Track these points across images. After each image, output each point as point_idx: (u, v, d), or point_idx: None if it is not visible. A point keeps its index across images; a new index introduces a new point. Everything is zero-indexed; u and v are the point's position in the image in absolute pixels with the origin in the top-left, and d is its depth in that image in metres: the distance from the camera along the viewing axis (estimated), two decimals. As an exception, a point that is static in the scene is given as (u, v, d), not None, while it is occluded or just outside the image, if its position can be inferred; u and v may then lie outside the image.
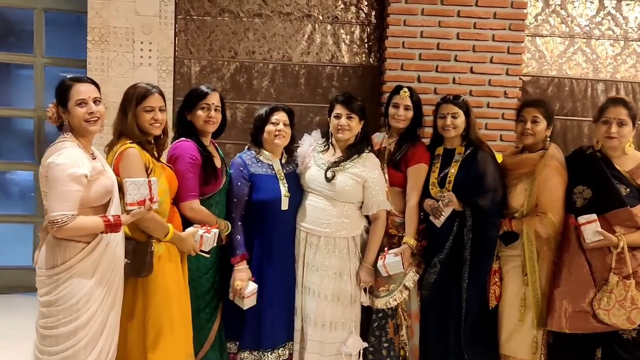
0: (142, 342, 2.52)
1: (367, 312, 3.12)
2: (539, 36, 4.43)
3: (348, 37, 4.39)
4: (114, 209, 2.33)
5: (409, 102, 3.12)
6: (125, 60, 4.24)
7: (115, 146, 2.51)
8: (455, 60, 4.16)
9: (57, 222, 2.15)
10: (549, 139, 2.94)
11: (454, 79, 4.17)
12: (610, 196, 2.67)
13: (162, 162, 2.68)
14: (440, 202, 2.93)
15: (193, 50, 4.33)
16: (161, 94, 2.61)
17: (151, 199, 2.33)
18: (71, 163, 2.18)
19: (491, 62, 4.17)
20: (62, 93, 2.31)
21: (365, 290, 3.04)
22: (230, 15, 4.31)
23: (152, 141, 2.62)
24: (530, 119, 2.90)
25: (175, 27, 4.26)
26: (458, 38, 4.15)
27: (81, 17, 4.33)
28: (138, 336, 2.52)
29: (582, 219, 2.65)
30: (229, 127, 4.24)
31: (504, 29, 4.14)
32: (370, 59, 4.41)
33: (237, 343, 2.98)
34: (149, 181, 2.33)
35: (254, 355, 2.94)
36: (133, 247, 2.45)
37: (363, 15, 4.38)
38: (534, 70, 4.44)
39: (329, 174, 2.96)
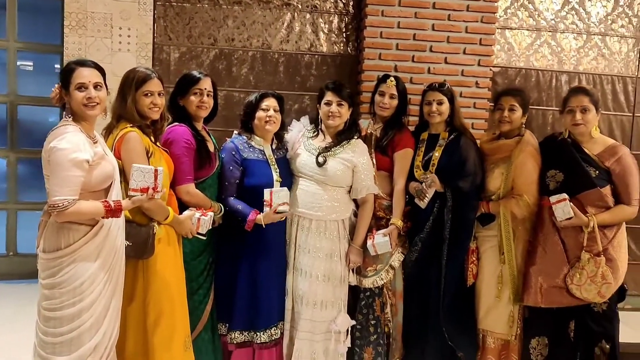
0: (142, 324, 2.56)
1: (353, 292, 3.24)
2: (508, 29, 4.62)
3: (326, 26, 4.48)
4: (115, 194, 2.35)
5: (394, 91, 3.24)
6: (103, 46, 4.20)
7: (115, 130, 2.53)
8: (431, 50, 4.30)
9: (58, 206, 2.16)
10: (524, 126, 3.12)
11: (429, 68, 4.31)
12: (581, 178, 2.87)
13: (159, 147, 2.71)
14: (423, 183, 3.07)
15: (172, 36, 4.33)
16: (160, 78, 2.64)
17: (154, 188, 2.34)
18: (73, 148, 2.19)
19: (464, 53, 4.33)
20: (65, 75, 2.32)
21: (353, 270, 3.16)
22: (209, 2, 4.33)
23: (151, 125, 2.65)
24: (507, 107, 3.07)
25: (154, 13, 4.25)
26: (433, 29, 4.29)
27: (56, 4, 4.26)
28: (138, 318, 2.56)
29: (553, 198, 2.85)
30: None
31: (477, 21, 4.30)
32: (348, 48, 4.51)
33: (227, 325, 3.04)
34: (156, 170, 2.34)
35: (245, 336, 3.01)
36: (135, 230, 2.48)
37: (341, 5, 4.48)
38: (503, 61, 4.64)
39: (321, 159, 3.05)
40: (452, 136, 3.17)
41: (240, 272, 3.00)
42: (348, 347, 3.16)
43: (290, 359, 3.08)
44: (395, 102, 3.25)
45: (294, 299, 3.10)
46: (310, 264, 3.05)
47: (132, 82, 2.57)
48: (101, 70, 2.40)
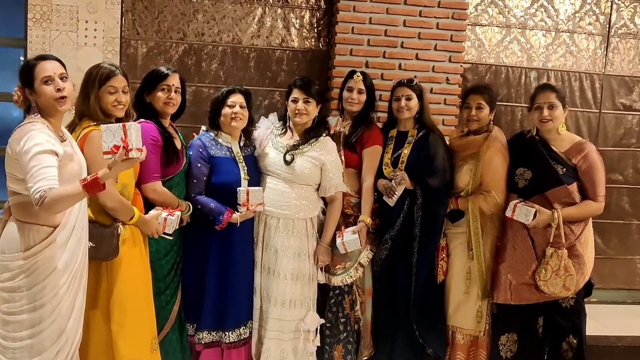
0: (106, 327, 2.51)
1: (322, 290, 3.23)
2: (478, 25, 4.64)
3: (298, 21, 4.44)
4: None
5: (362, 86, 3.23)
6: (68, 40, 4.09)
7: (78, 128, 2.46)
8: (402, 46, 4.29)
9: (36, 199, 2.04)
10: (492, 122, 3.14)
11: (400, 65, 4.30)
12: (548, 176, 2.90)
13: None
14: (393, 180, 3.06)
15: (140, 30, 4.24)
16: (125, 75, 2.57)
17: (126, 147, 2.07)
18: (41, 142, 2.09)
19: (435, 49, 4.33)
20: (27, 73, 2.21)
21: (321, 268, 3.15)
22: (178, -4, 4.25)
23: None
24: (475, 106, 3.09)
25: (122, 7, 4.14)
26: (405, 25, 4.27)
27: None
28: (101, 320, 2.51)
29: (507, 212, 2.89)
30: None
31: (448, 18, 4.30)
32: (320, 44, 4.48)
33: (195, 324, 3.01)
34: (124, 125, 2.08)
35: (213, 335, 2.99)
36: (98, 231, 2.43)
37: (313, 0, 4.44)
38: (473, 58, 4.65)
39: (288, 157, 3.03)
40: (421, 133, 3.18)
41: (208, 271, 2.97)
42: (318, 346, 3.16)
43: (259, 358, 3.06)
44: (363, 97, 3.24)
45: (262, 298, 3.08)
46: (278, 262, 3.03)
47: (96, 79, 2.50)
48: (62, 63, 2.31)
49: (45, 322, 2.20)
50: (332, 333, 3.20)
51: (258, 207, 2.94)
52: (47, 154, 2.09)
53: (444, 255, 3.14)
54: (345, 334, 3.19)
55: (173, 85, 2.84)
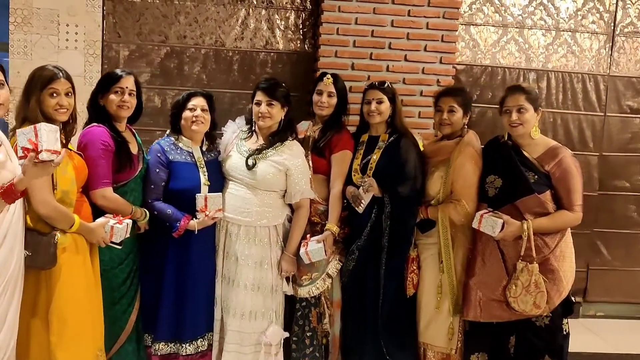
0: (45, 336, 2.40)
1: (290, 302, 3.09)
2: (473, 25, 4.45)
3: (283, 22, 4.32)
4: (18, 203, 2.20)
5: (332, 89, 3.09)
6: (49, 43, 4.07)
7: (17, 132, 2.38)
8: (390, 47, 4.14)
9: None
10: (466, 126, 2.95)
11: (387, 66, 4.15)
12: (518, 184, 2.70)
13: (71, 150, 2.57)
14: (361, 187, 2.91)
15: (122, 33, 4.19)
16: (68, 77, 2.48)
17: (35, 149, 1.95)
18: None
19: (425, 50, 4.16)
20: None
21: (287, 279, 3.00)
22: (160, -2, 4.19)
23: (60, 127, 2.50)
24: (446, 109, 2.92)
25: (103, 10, 4.11)
26: (392, 25, 4.12)
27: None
28: (41, 330, 2.40)
29: (474, 223, 2.72)
30: (157, 114, 4.21)
31: (438, 17, 4.14)
32: (305, 46, 4.35)
33: (152, 335, 2.90)
34: (35, 127, 1.97)
35: (170, 347, 2.88)
36: (35, 239, 2.33)
37: (298, 0, 4.32)
38: (467, 58, 4.46)
39: (250, 162, 2.90)
40: (392, 138, 3.01)
41: (165, 280, 2.87)
42: (282, 360, 3.02)
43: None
44: (333, 100, 3.10)
45: (223, 308, 2.95)
46: (239, 272, 2.91)
47: (38, 81, 2.41)
48: (2, 70, 2.25)
49: None
50: (299, 347, 3.05)
51: (217, 214, 2.83)
52: None
53: (415, 268, 2.96)
54: (311, 349, 3.04)
55: (127, 87, 2.74)
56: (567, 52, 4.51)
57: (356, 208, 2.94)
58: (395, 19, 4.12)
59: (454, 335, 2.91)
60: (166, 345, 2.88)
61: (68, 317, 2.41)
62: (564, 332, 2.78)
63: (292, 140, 3.01)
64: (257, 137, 3.01)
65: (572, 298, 2.79)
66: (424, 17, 4.13)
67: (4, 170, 2.16)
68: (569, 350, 2.83)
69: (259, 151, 2.93)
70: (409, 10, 4.12)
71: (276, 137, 2.97)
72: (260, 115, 2.92)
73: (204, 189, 2.87)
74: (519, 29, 4.47)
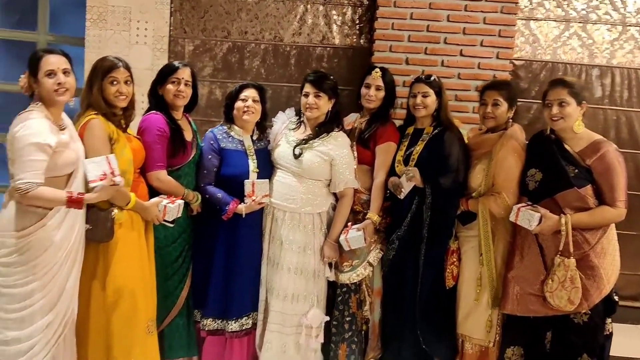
0: (103, 304, 2.63)
1: (332, 287, 3.19)
2: (533, 20, 4.36)
3: (340, 18, 4.42)
4: (77, 182, 2.44)
5: (380, 83, 3.15)
6: (121, 39, 4.36)
7: (81, 117, 2.61)
8: (445, 42, 4.14)
9: (21, 189, 2.26)
10: (511, 120, 2.93)
11: (442, 61, 4.15)
12: (558, 178, 2.66)
13: (130, 134, 2.78)
14: (403, 175, 2.95)
15: (187, 29, 4.42)
16: (127, 67, 2.70)
17: (112, 173, 2.39)
18: (35, 132, 2.28)
19: (481, 45, 4.13)
20: (33, 64, 2.40)
21: (330, 265, 3.10)
22: (224, -5, 4.39)
23: (119, 113, 2.71)
24: (490, 102, 2.91)
25: (170, 7, 4.35)
26: (448, 20, 4.12)
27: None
28: (99, 299, 2.63)
29: (512, 216, 2.70)
30: (219, 106, 4.40)
31: (496, 12, 4.09)
32: (361, 41, 4.43)
33: (201, 311, 3.08)
34: (107, 157, 2.40)
35: (217, 323, 3.04)
36: (95, 215, 2.56)
37: (356, -4, 4.40)
38: (527, 54, 4.38)
39: (297, 151, 3.02)
40: (436, 131, 3.04)
41: (215, 260, 3.04)
42: (324, 343, 3.11)
43: (262, 349, 3.08)
44: (381, 94, 3.16)
45: (267, 290, 3.09)
46: (283, 255, 3.03)
47: (99, 71, 2.64)
48: (68, 58, 2.49)
49: (36, 297, 2.37)
50: (338, 331, 3.14)
51: (263, 199, 2.97)
52: (39, 148, 2.27)
53: (455, 260, 2.97)
54: (350, 333, 3.13)
55: (183, 78, 2.93)
56: (634, 47, 4.32)
57: (397, 195, 2.98)
58: (452, 14, 4.10)
59: (492, 327, 2.91)
60: (213, 322, 3.05)
61: (122, 287, 2.63)
62: (607, 332, 2.70)
63: (339, 131, 3.11)
64: (305, 128, 3.13)
65: (615, 297, 2.70)
66: (481, 11, 4.09)
67: (67, 150, 2.40)
68: (611, 354, 2.76)
69: (305, 141, 3.05)
70: (466, 5, 4.10)
71: (322, 128, 3.07)
72: (307, 106, 3.03)
73: (253, 175, 3.02)
74: (582, 24, 4.34)
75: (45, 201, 2.33)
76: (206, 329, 3.06)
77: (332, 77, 3.13)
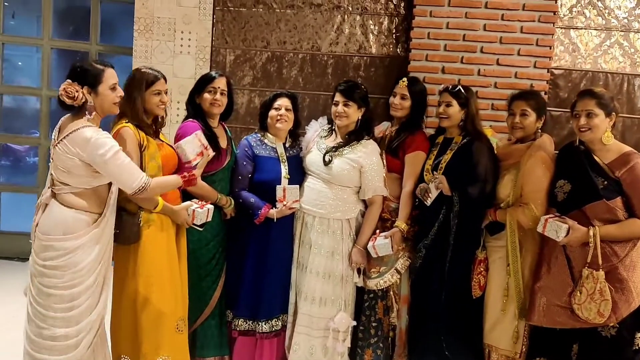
0: (133, 303, 2.75)
1: (360, 293, 3.24)
2: (573, 28, 4.31)
3: (376, 27, 4.48)
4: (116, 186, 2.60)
5: (406, 92, 3.20)
6: (166, 49, 4.56)
7: (115, 125, 2.74)
8: (481, 51, 4.16)
9: (140, 187, 2.48)
10: (539, 130, 2.92)
11: (479, 70, 4.16)
12: (586, 189, 2.63)
13: (163, 140, 2.91)
14: (431, 183, 2.98)
15: (229, 40, 4.58)
16: (165, 78, 2.85)
17: (206, 147, 2.78)
18: (110, 140, 2.46)
19: (518, 54, 4.13)
20: (93, 76, 2.49)
21: (359, 271, 3.16)
22: (264, 7, 4.53)
23: (152, 121, 2.85)
24: (519, 112, 2.91)
25: (213, 18, 4.54)
26: (485, 29, 4.14)
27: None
28: (130, 297, 2.75)
29: (539, 228, 2.68)
30: (257, 114, 4.53)
31: (533, 21, 4.09)
32: (398, 50, 4.48)
33: (233, 312, 3.18)
34: (197, 135, 2.76)
35: (248, 324, 3.14)
36: (122, 218, 2.68)
37: (392, 6, 4.46)
38: (566, 63, 4.34)
39: (327, 158, 3.10)
40: (465, 140, 3.05)
41: (247, 262, 3.14)
42: (350, 348, 3.17)
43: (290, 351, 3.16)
44: (407, 103, 3.20)
45: (297, 293, 3.17)
46: (311, 259, 3.10)
47: (143, 82, 2.77)
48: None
49: (82, 298, 2.51)
50: (364, 336, 3.19)
51: (294, 204, 3.06)
52: (122, 152, 2.48)
53: (482, 269, 2.97)
54: (375, 339, 3.17)
55: (219, 87, 3.06)
56: (678, 56, 4.23)
57: (424, 201, 3.01)
58: (488, 23, 4.12)
59: (519, 338, 2.89)
60: (245, 322, 3.15)
61: (151, 287, 2.74)
62: (635, 347, 2.65)
63: (369, 139, 3.17)
64: (336, 136, 3.21)
65: (645, 311, 2.66)
66: (518, 20, 4.09)
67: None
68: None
69: (335, 149, 3.12)
70: (503, 14, 4.11)
71: (352, 136, 3.15)
72: (337, 114, 3.11)
73: (284, 181, 3.12)
74: (624, 33, 4.26)
75: (161, 189, 2.67)
76: (238, 329, 3.15)
77: (363, 86, 3.20)
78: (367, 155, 3.10)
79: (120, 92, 2.56)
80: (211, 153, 2.78)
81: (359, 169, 3.09)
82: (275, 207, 3.06)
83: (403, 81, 3.20)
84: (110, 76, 2.52)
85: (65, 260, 2.47)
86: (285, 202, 3.04)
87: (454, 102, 3.03)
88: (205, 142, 2.73)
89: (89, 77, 2.50)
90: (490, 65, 4.16)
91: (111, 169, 2.45)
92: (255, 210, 3.07)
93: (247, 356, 3.19)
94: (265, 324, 3.14)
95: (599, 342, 2.63)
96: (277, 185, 3.06)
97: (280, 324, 3.18)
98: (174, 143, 2.99)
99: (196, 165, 2.77)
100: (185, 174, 2.64)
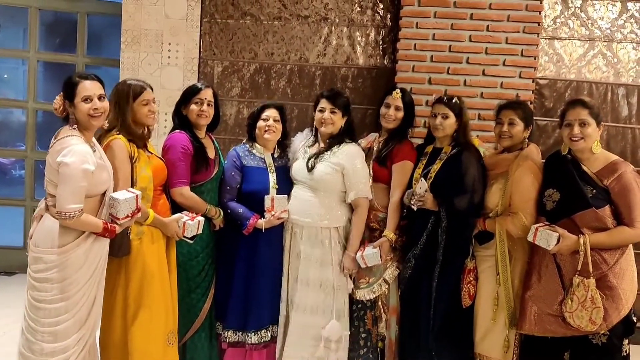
0: (124, 315, 2.73)
1: (351, 304, 3.22)
2: (557, 39, 4.37)
3: (363, 39, 4.52)
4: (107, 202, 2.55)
5: (400, 103, 3.21)
6: (154, 61, 4.56)
7: (104, 138, 2.72)
8: (467, 62, 4.19)
9: (69, 214, 2.37)
10: (527, 140, 2.95)
11: (465, 81, 4.20)
12: (576, 198, 2.65)
13: (152, 152, 2.89)
14: (416, 187, 2.99)
15: (216, 51, 4.59)
16: (151, 87, 2.85)
17: (138, 210, 2.57)
18: (81, 159, 2.37)
19: (504, 64, 4.17)
20: (70, 88, 2.50)
21: (351, 277, 3.14)
22: (251, 19, 4.55)
23: (143, 133, 2.84)
24: (506, 121, 2.93)
25: (200, 30, 4.54)
26: (470, 40, 4.18)
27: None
28: (121, 310, 2.74)
29: (529, 237, 2.69)
30: (244, 126, 4.54)
31: (518, 32, 4.13)
32: (385, 61, 4.51)
33: (223, 324, 3.16)
34: (137, 196, 2.54)
35: (237, 335, 3.12)
36: None
37: (378, 18, 4.50)
38: (551, 73, 4.39)
39: (310, 164, 3.10)
40: (454, 150, 3.06)
41: (236, 273, 3.13)
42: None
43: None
44: (400, 114, 3.21)
45: (288, 304, 3.15)
46: (302, 270, 3.09)
47: (129, 94, 2.75)
48: (102, 83, 2.59)
49: (70, 313, 2.47)
50: (354, 347, 3.17)
51: (282, 214, 3.06)
52: (85, 175, 2.38)
53: (472, 279, 2.97)
54: (365, 350, 3.15)
55: (205, 99, 3.06)
56: (661, 66, 4.30)
57: (411, 206, 3.00)
58: (473, 34, 4.16)
59: (510, 347, 2.89)
60: (234, 334, 3.13)
61: (142, 299, 2.72)
62: (624, 354, 2.67)
63: (350, 142, 3.16)
64: (320, 143, 3.21)
65: (634, 318, 2.68)
66: (503, 31, 4.14)
67: (102, 171, 2.51)
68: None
69: (317, 155, 3.12)
70: (488, 26, 4.15)
71: (334, 140, 3.14)
72: (323, 121, 3.12)
73: (273, 191, 3.12)
74: (607, 43, 4.33)
75: (84, 227, 2.45)
76: (227, 340, 3.14)
77: (345, 95, 3.22)
78: (348, 157, 3.09)
79: (96, 104, 2.48)
80: (139, 216, 2.61)
81: (341, 171, 3.07)
82: (264, 218, 3.06)
83: (397, 92, 3.20)
84: (83, 89, 2.47)
85: (52, 273, 2.43)
86: (273, 212, 3.04)
87: (451, 114, 3.05)
88: (140, 205, 2.58)
89: (67, 89, 2.52)
90: (476, 76, 4.19)
91: (59, 177, 2.37)
92: (244, 221, 3.07)
93: (237, 368, 3.17)
94: (254, 335, 3.12)
95: (590, 350, 2.64)
96: (266, 196, 3.06)
97: (269, 335, 3.16)
98: (162, 154, 2.99)
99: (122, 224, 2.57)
100: (108, 224, 2.50)
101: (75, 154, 2.37)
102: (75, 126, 2.50)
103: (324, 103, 3.13)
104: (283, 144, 3.31)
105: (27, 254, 2.55)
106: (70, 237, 2.45)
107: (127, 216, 2.52)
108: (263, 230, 3.06)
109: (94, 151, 2.53)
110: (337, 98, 3.12)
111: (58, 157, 2.38)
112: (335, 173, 3.07)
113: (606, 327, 2.61)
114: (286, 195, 3.10)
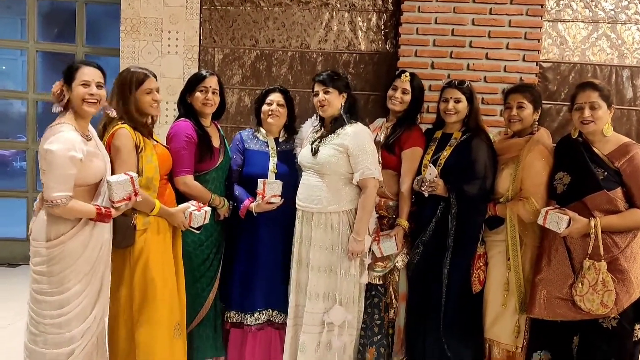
0: (130, 308, 2.71)
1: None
2: (560, 21, 4.33)
3: (365, 24, 4.47)
4: (104, 190, 2.50)
5: (407, 86, 3.16)
6: (154, 49, 4.51)
7: (109, 127, 2.68)
8: (470, 46, 4.16)
9: (55, 202, 2.33)
10: (537, 123, 2.93)
11: (468, 65, 4.17)
12: (586, 180, 2.63)
13: (157, 141, 2.87)
14: (425, 173, 2.96)
15: (217, 39, 4.55)
16: (154, 75, 2.81)
17: (135, 194, 2.50)
18: (67, 147, 2.33)
19: (507, 48, 4.14)
20: (70, 73, 2.47)
21: (363, 263, 3.09)
22: (251, 5, 4.50)
23: (148, 121, 2.82)
24: (515, 105, 2.90)
25: (200, 17, 4.50)
26: (473, 24, 4.14)
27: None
28: (127, 300, 2.71)
29: (539, 220, 2.67)
30: (247, 113, 4.52)
31: (521, 15, 4.10)
32: (387, 46, 4.47)
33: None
34: (131, 178, 2.48)
35: (239, 316, 3.16)
36: (116, 220, 2.60)
37: (380, 2, 4.45)
38: (555, 56, 4.36)
39: (314, 148, 3.05)
40: (465, 136, 3.02)
41: (237, 255, 3.16)
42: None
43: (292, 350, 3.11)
44: (407, 97, 3.17)
45: (298, 292, 3.12)
46: (312, 256, 3.05)
47: (133, 82, 2.71)
48: (103, 72, 2.56)
49: (72, 305, 2.45)
50: (367, 334, 3.14)
51: (273, 199, 3.01)
52: (71, 161, 2.34)
53: (482, 264, 2.95)
54: (379, 337, 3.13)
55: (210, 87, 3.02)
56: (665, 47, 4.26)
57: (422, 192, 2.95)
58: (476, 18, 4.13)
59: (520, 333, 2.88)
60: (236, 314, 3.16)
61: (148, 290, 2.70)
62: (635, 339, 2.65)
63: (355, 122, 3.08)
64: (323, 127, 3.17)
65: (644, 302, 2.67)
66: (506, 14, 4.10)
67: (96, 159, 2.48)
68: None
69: (321, 138, 3.07)
70: (491, 9, 4.12)
71: (337, 122, 3.07)
72: (319, 103, 3.07)
73: (271, 175, 3.11)
74: (611, 25, 4.29)
75: (75, 214, 2.41)
76: (230, 321, 3.17)
77: (342, 74, 3.20)
78: (352, 136, 2.99)
79: (92, 90, 2.45)
80: (138, 199, 2.54)
81: (345, 152, 2.99)
82: (256, 201, 3.05)
83: (406, 75, 3.15)
84: (82, 73, 2.46)
85: (50, 265, 2.41)
86: (264, 196, 3.01)
87: (463, 98, 3.01)
88: (137, 189, 2.52)
89: (67, 74, 2.49)
90: (480, 60, 4.16)
91: (45, 164, 2.34)
92: (239, 203, 3.09)
93: (237, 349, 3.20)
94: (250, 317, 3.14)
95: (600, 334, 2.63)
96: (259, 179, 3.03)
97: (263, 317, 3.16)
98: (166, 143, 2.96)
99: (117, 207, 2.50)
100: (102, 208, 2.45)
101: (62, 141, 2.34)
102: (66, 113, 2.47)
103: (317, 86, 3.09)
104: (291, 128, 3.28)
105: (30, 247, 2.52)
106: (65, 228, 2.42)
107: (123, 199, 2.47)
108: (254, 214, 3.05)
109: (89, 140, 2.50)
110: (329, 78, 3.05)
111: (45, 144, 2.36)
112: (340, 155, 2.99)
113: (617, 311, 2.59)
114: (279, 181, 3.05)
